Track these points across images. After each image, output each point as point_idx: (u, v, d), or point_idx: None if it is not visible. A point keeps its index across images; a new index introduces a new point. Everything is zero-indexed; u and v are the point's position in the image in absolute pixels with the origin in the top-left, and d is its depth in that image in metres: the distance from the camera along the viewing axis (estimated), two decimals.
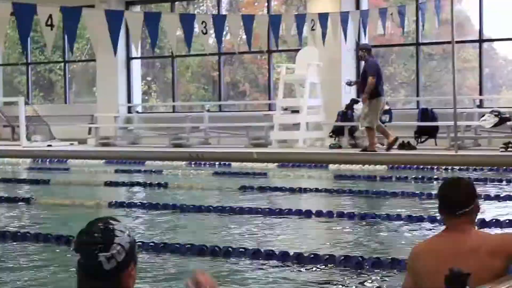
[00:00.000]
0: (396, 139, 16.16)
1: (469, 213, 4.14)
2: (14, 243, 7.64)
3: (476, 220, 7.43)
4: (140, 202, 10.43)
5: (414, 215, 8.63)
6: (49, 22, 10.98)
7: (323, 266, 6.14)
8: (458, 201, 4.12)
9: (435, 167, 14.15)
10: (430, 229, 7.86)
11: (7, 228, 8.48)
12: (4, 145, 20.83)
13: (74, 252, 2.65)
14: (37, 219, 9.80)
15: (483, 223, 8.04)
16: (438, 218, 8.18)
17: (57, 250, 7.27)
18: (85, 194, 11.86)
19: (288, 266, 6.23)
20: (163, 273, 6.17)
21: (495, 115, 16.26)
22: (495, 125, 16.27)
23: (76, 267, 2.65)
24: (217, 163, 16.24)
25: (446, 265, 3.95)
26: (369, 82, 15.94)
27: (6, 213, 10.34)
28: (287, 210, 9.14)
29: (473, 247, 4.13)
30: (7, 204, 10.87)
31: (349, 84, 17.67)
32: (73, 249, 2.67)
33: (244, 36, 14.79)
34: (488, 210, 9.18)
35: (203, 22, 13.46)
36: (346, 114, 18.03)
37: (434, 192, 10.60)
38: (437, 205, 4.18)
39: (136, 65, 22.88)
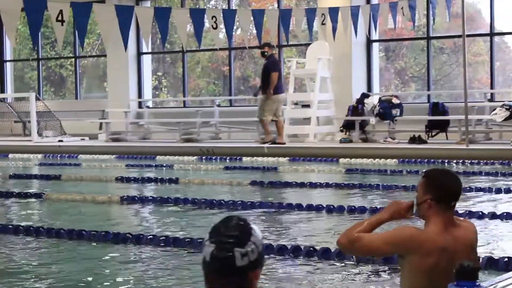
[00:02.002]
0: (283, 143, 16.97)
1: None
2: (27, 237, 7.67)
3: (486, 213, 7.45)
4: (151, 197, 10.45)
5: None
6: (59, 18, 11.00)
7: (335, 261, 6.14)
8: (460, 191, 4.22)
9: (446, 161, 14.13)
10: None
11: (20, 223, 8.51)
12: (15, 141, 20.91)
13: (208, 242, 2.62)
14: (49, 214, 9.85)
15: (494, 216, 8.04)
16: None
17: (69, 245, 7.29)
18: (96, 189, 11.89)
19: (299, 260, 6.24)
20: (176, 267, 6.18)
21: (506, 109, 16.22)
22: (506, 119, 16.24)
23: (204, 263, 2.63)
24: (227, 158, 16.27)
25: (453, 261, 3.98)
26: (273, 77, 16.91)
27: (18, 208, 10.38)
28: (297, 205, 9.15)
29: (469, 241, 4.29)
30: (19, 200, 10.92)
31: (255, 95, 18.37)
32: (207, 239, 2.64)
33: (255, 31, 14.79)
34: (499, 204, 9.17)
35: (213, 17, 13.45)
36: (356, 109, 18.01)
37: None
38: (452, 198, 4.18)
39: (146, 60, 22.91)
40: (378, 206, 8.88)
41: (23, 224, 8.33)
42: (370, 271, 5.82)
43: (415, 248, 4.11)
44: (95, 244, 7.23)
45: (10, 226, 8.08)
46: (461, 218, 4.57)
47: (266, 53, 17.29)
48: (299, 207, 9.11)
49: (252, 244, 2.61)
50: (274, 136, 17.35)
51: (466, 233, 4.38)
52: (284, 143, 17.10)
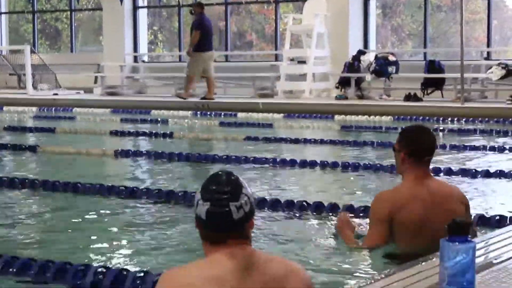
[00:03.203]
0: (211, 99, 17.60)
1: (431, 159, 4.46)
2: (23, 189, 7.67)
3: (480, 171, 7.52)
4: (145, 151, 10.46)
5: None
6: None
7: (328, 215, 6.17)
8: (434, 147, 4.44)
9: (441, 119, 14.14)
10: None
11: (14, 175, 8.52)
12: (10, 93, 20.85)
13: (202, 201, 2.66)
14: (43, 166, 9.85)
15: (488, 174, 8.06)
16: (442, 168, 8.22)
17: (65, 197, 7.30)
18: (90, 143, 11.88)
19: (293, 215, 6.26)
20: (170, 221, 6.21)
21: (503, 68, 16.19)
22: (502, 78, 16.21)
23: (200, 221, 2.66)
24: (223, 113, 16.25)
25: (433, 211, 4.14)
26: (193, 36, 17.69)
27: (13, 160, 10.39)
28: (292, 161, 9.16)
29: (447, 193, 4.53)
30: (13, 152, 10.91)
31: (187, 53, 18.53)
32: (199, 198, 2.67)
33: None
34: (493, 162, 9.20)
35: None
36: (352, 65, 17.96)
37: (440, 143, 10.66)
38: (426, 152, 4.40)
39: (142, 14, 22.77)
40: (372, 163, 8.91)
41: (18, 176, 8.33)
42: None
43: (396, 206, 4.34)
44: (90, 196, 7.23)
45: (5, 179, 8.08)
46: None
47: (192, 12, 18.02)
48: (293, 162, 9.11)
49: (244, 197, 2.66)
50: (192, 91, 18.31)
51: (444, 187, 4.61)
52: (212, 99, 17.57)
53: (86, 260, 4.77)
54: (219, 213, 2.63)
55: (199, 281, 2.58)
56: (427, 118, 14.32)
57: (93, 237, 5.62)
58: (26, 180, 7.89)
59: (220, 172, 2.74)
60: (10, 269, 4.55)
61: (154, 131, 13.04)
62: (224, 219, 2.63)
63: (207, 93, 17.89)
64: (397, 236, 4.47)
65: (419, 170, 4.39)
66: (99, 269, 4.35)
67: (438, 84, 17.11)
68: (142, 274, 4.22)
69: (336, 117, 14.98)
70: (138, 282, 4.17)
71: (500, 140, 11.45)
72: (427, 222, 4.36)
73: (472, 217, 5.59)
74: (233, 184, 2.67)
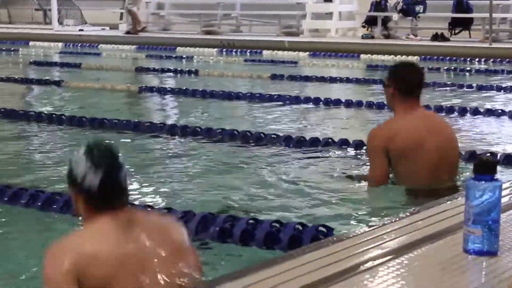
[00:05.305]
0: (143, 29, 19.28)
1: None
2: (51, 125, 7.68)
3: (507, 111, 7.52)
4: (170, 88, 10.45)
5: (444, 104, 8.56)
6: None
7: (353, 152, 6.17)
8: (422, 81, 4.71)
9: (468, 59, 14.01)
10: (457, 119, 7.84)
11: (41, 110, 8.55)
12: (36, 29, 20.86)
13: (93, 171, 2.66)
14: (68, 102, 9.88)
15: None
16: (469, 108, 8.18)
17: (92, 133, 7.31)
18: (115, 79, 11.90)
19: (317, 152, 6.26)
20: (196, 157, 6.23)
21: None
22: None
23: (88, 193, 2.67)
24: (248, 51, 16.18)
25: (427, 135, 4.57)
26: None
27: (38, 95, 10.43)
28: (316, 99, 9.12)
29: (443, 123, 4.95)
30: (39, 86, 10.96)
31: None
32: (89, 168, 2.67)
33: None
34: None
35: None
36: (379, 4, 17.76)
37: (467, 83, 10.60)
38: (414, 87, 4.65)
39: None
40: None
41: (44, 111, 8.36)
42: None
43: (389, 137, 4.58)
44: (116, 132, 7.24)
45: (32, 113, 8.11)
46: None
47: None
48: (317, 101, 9.08)
49: (123, 164, 2.74)
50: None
51: (435, 115, 5.12)
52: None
53: None
54: (112, 183, 2.67)
55: (96, 248, 2.60)
56: (454, 58, 14.19)
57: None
58: (53, 115, 7.92)
59: (98, 142, 2.79)
60: (35, 203, 4.62)
61: (179, 68, 13.02)
62: (116, 188, 2.68)
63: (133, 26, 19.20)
64: (397, 164, 4.63)
65: (409, 104, 4.63)
66: None
67: (466, 24, 16.91)
68: (166, 211, 4.25)
69: (362, 56, 14.88)
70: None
71: None
72: (423, 145, 4.58)
73: (498, 157, 5.60)
74: (115, 153, 2.74)
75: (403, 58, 14.25)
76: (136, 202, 4.45)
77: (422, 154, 4.55)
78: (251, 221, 4.00)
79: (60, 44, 18.34)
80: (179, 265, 2.65)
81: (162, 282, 2.61)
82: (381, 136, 4.67)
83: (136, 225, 2.67)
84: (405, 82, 4.62)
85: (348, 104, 8.89)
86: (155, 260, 2.63)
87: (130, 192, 4.92)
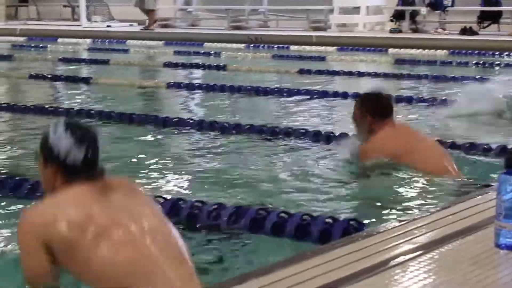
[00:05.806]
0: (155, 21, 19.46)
1: None
2: (80, 119, 7.71)
3: None
4: (198, 84, 10.47)
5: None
6: None
7: None
8: (391, 105, 5.11)
9: (497, 53, 13.91)
10: None
11: (70, 106, 8.60)
12: (64, 25, 20.97)
13: (76, 146, 2.89)
14: (97, 97, 9.92)
15: None
16: None
17: (120, 128, 7.34)
18: (143, 75, 11.94)
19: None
20: (225, 152, 6.24)
21: None
22: None
23: (72, 168, 2.88)
24: (275, 46, 16.17)
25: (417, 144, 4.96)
26: None
27: (67, 91, 10.49)
28: (344, 93, 9.10)
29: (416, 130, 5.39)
30: (67, 83, 11.01)
31: None
32: (74, 144, 2.90)
33: None
34: None
35: None
36: None
37: (496, 77, 10.53)
38: (387, 111, 5.02)
39: None
40: (425, 97, 8.82)
41: (74, 107, 8.41)
42: None
43: (378, 148, 4.94)
44: (144, 127, 7.27)
45: (61, 109, 8.16)
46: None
47: None
48: (345, 95, 9.06)
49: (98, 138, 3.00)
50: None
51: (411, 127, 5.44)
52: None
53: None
54: (94, 158, 2.92)
55: (70, 210, 2.79)
56: (482, 52, 14.10)
57: (151, 166, 5.67)
58: (82, 110, 7.97)
59: (75, 121, 3.16)
60: None
61: (207, 64, 13.03)
62: (96, 160, 2.93)
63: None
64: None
65: (387, 124, 4.97)
66: (155, 199, 4.39)
67: (495, 17, 16.80)
68: (199, 204, 4.26)
69: (390, 50, 14.81)
70: (195, 211, 4.21)
71: None
72: (413, 151, 4.93)
73: None
74: (94, 131, 3.01)
75: (432, 52, 14.20)
76: (168, 196, 4.45)
77: (416, 158, 4.90)
78: (282, 214, 4.01)
79: (88, 40, 18.43)
80: (151, 219, 2.83)
81: (136, 238, 2.76)
82: (374, 151, 5.01)
83: (110, 189, 2.88)
84: (384, 108, 5.04)
85: None
86: (130, 217, 2.80)
87: (161, 186, 5.02)
